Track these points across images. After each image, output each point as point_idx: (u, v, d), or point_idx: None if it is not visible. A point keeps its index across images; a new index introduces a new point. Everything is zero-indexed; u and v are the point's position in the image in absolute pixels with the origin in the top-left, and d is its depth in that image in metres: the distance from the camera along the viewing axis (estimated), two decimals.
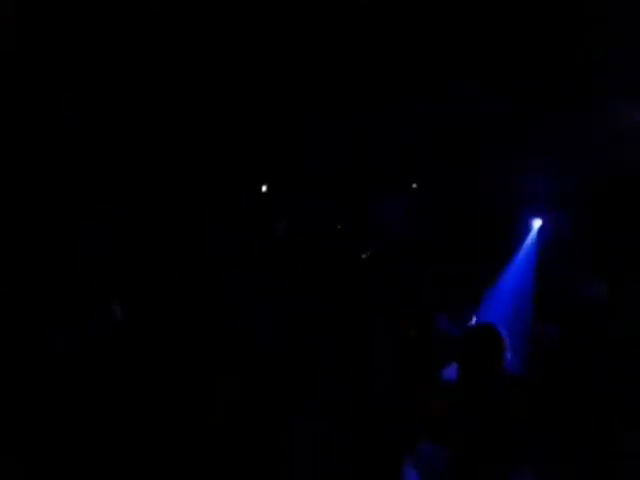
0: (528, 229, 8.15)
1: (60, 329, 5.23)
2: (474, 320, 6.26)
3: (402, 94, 7.05)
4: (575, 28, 6.11)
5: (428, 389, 4.94)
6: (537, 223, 8.13)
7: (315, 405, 5.11)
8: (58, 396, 4.87)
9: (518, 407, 4.40)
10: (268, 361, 5.41)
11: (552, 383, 5.35)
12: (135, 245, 6.31)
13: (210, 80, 6.93)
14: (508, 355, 4.63)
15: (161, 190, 7.07)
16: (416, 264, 7.60)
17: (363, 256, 8.06)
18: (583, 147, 6.78)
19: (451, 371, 5.91)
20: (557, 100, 6.43)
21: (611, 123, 6.60)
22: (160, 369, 5.17)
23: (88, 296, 5.52)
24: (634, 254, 7.07)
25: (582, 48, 6.18)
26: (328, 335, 5.79)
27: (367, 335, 6.12)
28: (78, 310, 5.40)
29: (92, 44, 6.31)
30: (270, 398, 5.16)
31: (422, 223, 7.91)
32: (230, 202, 7.41)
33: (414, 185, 8.04)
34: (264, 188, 7.78)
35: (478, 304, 6.91)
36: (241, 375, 5.29)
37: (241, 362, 5.37)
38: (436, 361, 5.24)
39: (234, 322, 5.71)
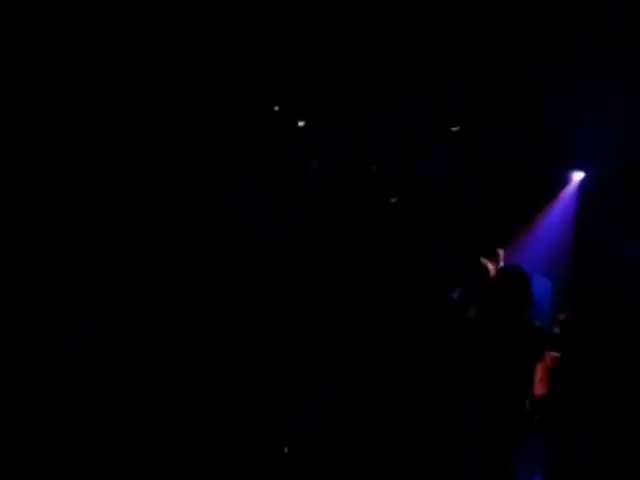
0: (566, 182, 7.86)
1: (60, 329, 5.23)
2: None
3: (402, 94, 7.05)
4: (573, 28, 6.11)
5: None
6: (578, 176, 7.82)
7: (315, 405, 5.11)
8: (58, 396, 4.87)
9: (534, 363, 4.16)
10: (268, 361, 5.41)
11: (583, 348, 5.08)
12: (135, 245, 6.30)
13: (211, 80, 6.93)
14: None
15: (161, 190, 7.07)
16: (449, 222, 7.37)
17: (393, 200, 7.86)
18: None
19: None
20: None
21: None
22: (160, 369, 5.17)
23: (88, 296, 5.52)
24: None
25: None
26: (329, 334, 5.79)
27: (368, 334, 6.11)
28: (78, 310, 5.40)
29: (92, 44, 6.31)
30: (270, 398, 5.16)
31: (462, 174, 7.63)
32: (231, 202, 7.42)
33: (455, 128, 7.75)
34: (300, 123, 7.64)
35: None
36: (241, 375, 5.29)
37: (242, 362, 5.37)
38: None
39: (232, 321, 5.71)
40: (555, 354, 4.83)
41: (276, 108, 7.50)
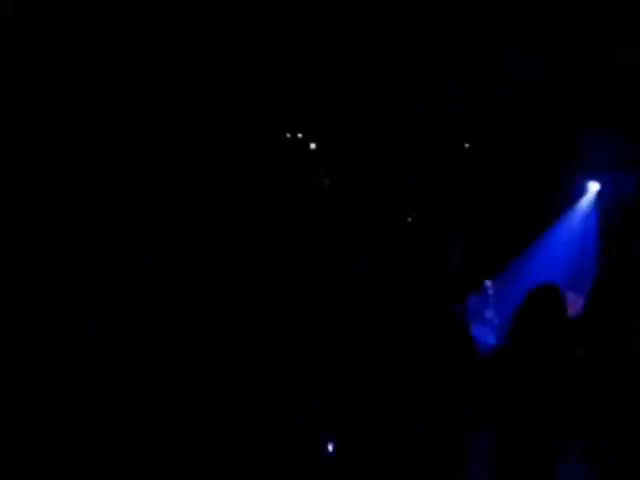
0: (583, 192, 7.60)
1: (60, 329, 5.23)
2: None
3: (402, 94, 7.06)
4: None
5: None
6: (594, 186, 7.55)
7: (315, 405, 5.11)
8: (58, 396, 4.87)
9: (572, 380, 4.13)
10: (268, 361, 5.41)
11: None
12: (135, 245, 6.31)
13: (211, 81, 6.94)
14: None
15: (161, 190, 7.07)
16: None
17: (409, 219, 7.82)
18: None
19: (487, 334, 5.67)
20: None
21: None
22: (160, 369, 5.17)
23: (88, 296, 5.52)
24: None
25: None
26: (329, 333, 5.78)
27: (368, 334, 6.11)
28: (78, 310, 5.40)
29: (92, 44, 6.32)
30: (270, 398, 5.16)
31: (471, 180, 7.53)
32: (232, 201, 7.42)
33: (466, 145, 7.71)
34: (312, 146, 7.64)
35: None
36: (241, 375, 5.28)
37: (242, 362, 5.37)
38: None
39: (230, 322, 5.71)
40: None
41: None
